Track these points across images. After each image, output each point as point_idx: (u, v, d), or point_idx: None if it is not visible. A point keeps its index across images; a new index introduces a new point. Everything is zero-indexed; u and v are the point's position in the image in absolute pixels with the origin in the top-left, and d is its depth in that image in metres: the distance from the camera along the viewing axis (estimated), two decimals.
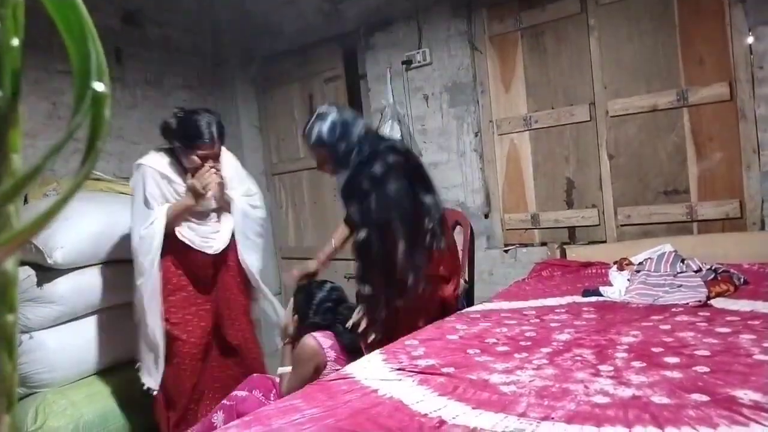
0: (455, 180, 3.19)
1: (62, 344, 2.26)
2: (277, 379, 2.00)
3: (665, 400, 1.02)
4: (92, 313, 2.40)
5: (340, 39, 3.60)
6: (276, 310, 2.41)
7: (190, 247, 2.21)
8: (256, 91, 4.10)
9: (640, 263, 2.20)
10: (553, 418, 0.99)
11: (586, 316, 1.73)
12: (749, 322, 1.48)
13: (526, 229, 3.07)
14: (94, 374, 2.39)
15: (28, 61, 2.75)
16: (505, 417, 1.02)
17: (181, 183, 2.18)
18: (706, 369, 1.16)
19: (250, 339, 2.40)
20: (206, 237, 2.26)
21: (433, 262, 1.90)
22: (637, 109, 2.69)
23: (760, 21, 2.37)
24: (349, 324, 1.86)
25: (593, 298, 1.96)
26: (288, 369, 1.94)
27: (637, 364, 1.23)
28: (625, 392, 1.08)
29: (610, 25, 2.74)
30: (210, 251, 2.26)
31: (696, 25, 2.52)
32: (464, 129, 3.14)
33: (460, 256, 2.26)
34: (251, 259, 2.34)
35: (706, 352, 1.26)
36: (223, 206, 2.32)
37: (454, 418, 1.04)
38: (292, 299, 2.08)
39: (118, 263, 2.39)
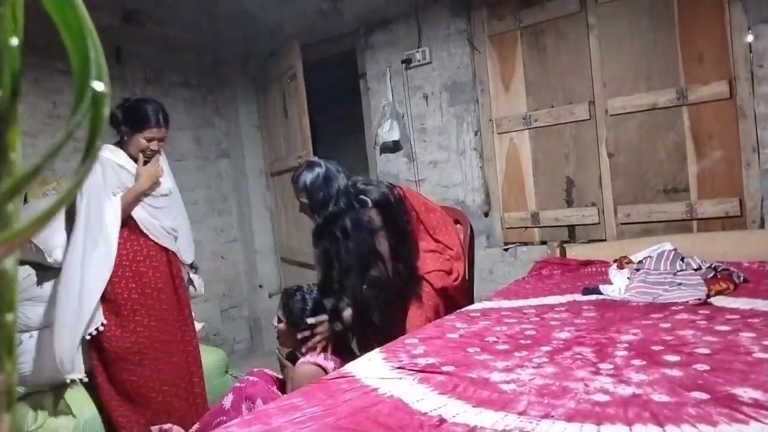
0: (455, 179, 3.19)
1: None
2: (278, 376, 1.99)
3: (665, 398, 1.02)
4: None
5: (340, 38, 3.60)
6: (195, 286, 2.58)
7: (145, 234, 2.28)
8: (255, 90, 4.10)
9: (640, 261, 2.20)
10: (553, 417, 0.99)
11: (586, 314, 1.73)
12: (749, 320, 1.48)
13: (526, 227, 3.07)
14: None
15: (28, 61, 2.74)
16: (505, 415, 1.02)
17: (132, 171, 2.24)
18: (706, 367, 1.16)
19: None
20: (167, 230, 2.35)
21: (422, 260, 2.07)
22: (637, 108, 2.69)
23: (759, 19, 2.37)
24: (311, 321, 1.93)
25: (593, 297, 1.96)
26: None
27: (637, 362, 1.23)
28: (625, 390, 1.08)
29: (609, 23, 2.74)
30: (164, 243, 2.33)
31: (695, 24, 2.52)
32: (464, 128, 3.14)
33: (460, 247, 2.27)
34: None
35: (706, 350, 1.26)
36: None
37: (454, 416, 1.04)
38: (280, 310, 2.02)
39: None
